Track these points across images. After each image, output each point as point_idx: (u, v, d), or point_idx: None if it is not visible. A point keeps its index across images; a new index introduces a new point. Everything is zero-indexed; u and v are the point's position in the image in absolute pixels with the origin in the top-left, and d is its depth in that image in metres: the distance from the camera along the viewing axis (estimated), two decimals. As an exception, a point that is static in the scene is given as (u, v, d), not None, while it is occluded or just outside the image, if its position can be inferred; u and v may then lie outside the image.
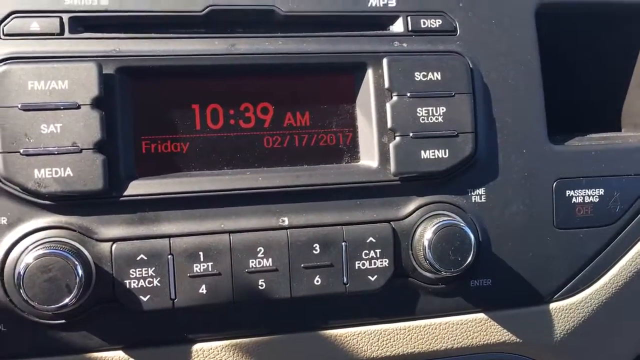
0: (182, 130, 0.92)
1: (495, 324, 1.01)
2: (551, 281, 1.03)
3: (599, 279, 1.04)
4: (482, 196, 0.99)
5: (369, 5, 0.98)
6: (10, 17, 0.87)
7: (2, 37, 0.86)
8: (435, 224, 0.93)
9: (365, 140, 0.97)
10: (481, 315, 1.00)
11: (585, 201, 1.03)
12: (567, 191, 1.02)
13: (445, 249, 0.92)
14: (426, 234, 0.93)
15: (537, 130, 1.02)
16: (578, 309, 1.04)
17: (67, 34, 0.88)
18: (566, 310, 1.03)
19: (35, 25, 0.87)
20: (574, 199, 1.03)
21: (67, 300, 0.81)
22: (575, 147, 1.05)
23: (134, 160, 0.89)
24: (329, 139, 0.97)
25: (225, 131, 0.94)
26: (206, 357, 0.92)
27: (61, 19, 0.88)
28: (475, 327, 1.00)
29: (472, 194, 0.99)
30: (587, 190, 1.03)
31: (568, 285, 1.03)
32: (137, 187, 0.88)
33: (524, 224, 1.00)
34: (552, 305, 1.03)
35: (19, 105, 0.83)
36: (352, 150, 0.98)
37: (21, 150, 0.83)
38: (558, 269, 1.02)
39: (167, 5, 0.91)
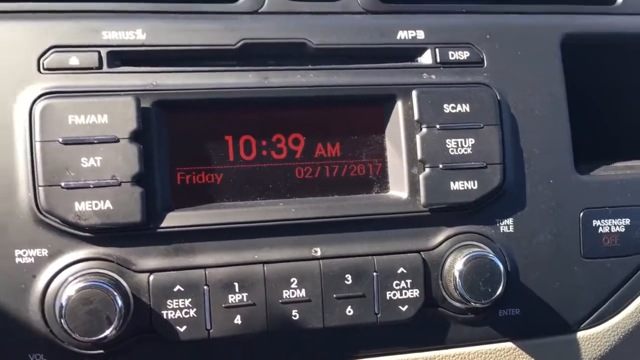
0: (216, 162, 0.94)
1: (523, 352, 1.02)
2: (578, 310, 1.04)
3: (625, 307, 1.05)
4: (510, 226, 1.00)
5: (398, 37, 1.00)
6: (50, 51, 0.88)
7: (42, 71, 0.88)
8: (466, 255, 0.94)
9: (395, 171, 0.99)
10: (509, 344, 1.01)
11: (612, 231, 1.04)
12: (593, 221, 1.04)
13: (475, 281, 0.93)
14: (457, 264, 0.94)
15: (563, 160, 1.03)
16: (605, 338, 1.05)
17: (105, 68, 0.89)
18: (593, 339, 1.04)
19: (74, 59, 0.89)
20: (600, 229, 1.04)
21: (107, 331, 0.82)
22: (601, 177, 1.06)
23: (170, 192, 0.91)
24: (359, 169, 0.99)
25: (257, 162, 0.95)
26: (240, 386, 0.93)
27: (99, 53, 0.89)
28: (503, 356, 1.01)
29: (501, 224, 1.00)
30: (613, 220, 1.04)
31: (595, 314, 1.04)
32: (174, 219, 0.90)
33: (551, 254, 1.01)
34: (579, 334, 1.04)
35: (60, 140, 0.85)
36: (381, 180, 0.99)
37: (62, 184, 0.85)
38: (585, 298, 1.04)
39: (202, 40, 0.93)
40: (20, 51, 0.88)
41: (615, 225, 1.04)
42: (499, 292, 0.94)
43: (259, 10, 0.98)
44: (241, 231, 0.92)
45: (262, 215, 0.92)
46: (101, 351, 0.87)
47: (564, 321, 1.03)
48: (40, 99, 0.86)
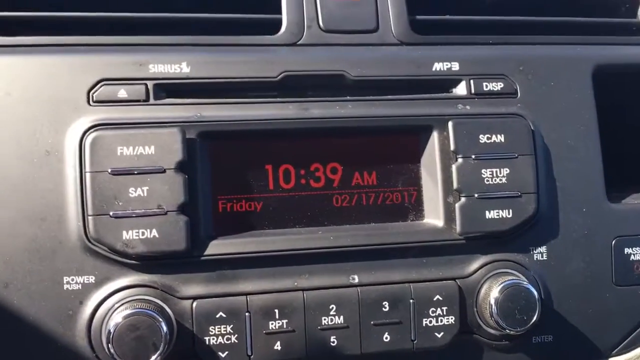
0: (256, 190, 0.97)
1: (557, 379, 1.03)
2: (610, 336, 1.05)
3: (656, 334, 1.07)
4: (544, 254, 1.02)
5: (433, 69, 1.02)
6: (100, 84, 0.91)
7: (92, 103, 0.91)
8: (501, 283, 0.96)
9: (430, 199, 1.00)
10: (543, 370, 1.03)
11: (643, 258, 1.06)
12: (625, 249, 1.05)
13: (511, 309, 0.95)
14: (492, 292, 0.96)
15: (596, 189, 1.05)
16: (637, 365, 1.06)
17: (152, 100, 0.92)
18: (625, 366, 1.05)
19: (122, 92, 0.92)
20: (632, 257, 1.05)
21: (153, 357, 0.84)
22: (633, 205, 1.08)
23: (212, 221, 0.93)
24: (395, 197, 1.01)
25: (296, 190, 0.98)
26: (280, 412, 0.95)
27: (146, 85, 0.92)
28: (537, 382, 1.03)
29: (534, 252, 1.02)
30: (645, 248, 1.06)
31: (627, 340, 1.05)
32: (217, 247, 0.92)
33: (584, 281, 1.03)
34: (611, 361, 1.05)
35: (109, 170, 0.88)
36: (417, 208, 1.01)
37: (111, 213, 0.87)
38: (617, 324, 1.05)
39: (244, 72, 0.96)
40: (71, 84, 0.91)
41: (647, 253, 1.06)
42: (534, 319, 0.95)
43: (298, 43, 1.01)
44: (281, 259, 0.94)
45: (301, 244, 0.95)
46: (145, 375, 0.89)
47: (596, 347, 1.04)
48: (90, 131, 0.89)
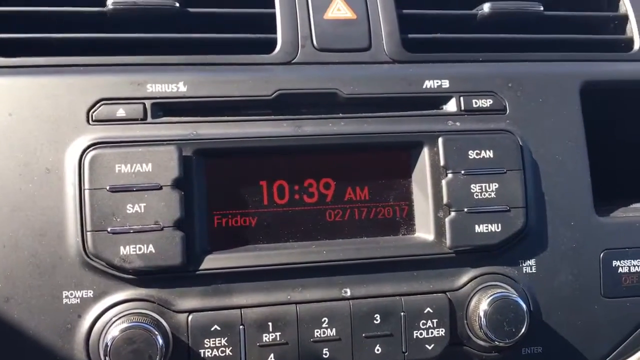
0: (251, 205, 0.99)
1: (546, 391, 1.05)
2: (599, 348, 1.07)
3: (645, 345, 1.09)
4: (533, 267, 1.04)
5: (424, 87, 1.04)
6: (99, 104, 0.94)
7: (91, 123, 0.94)
8: (490, 295, 0.98)
9: (421, 214, 1.03)
10: (533, 382, 1.05)
11: (631, 271, 1.08)
12: (613, 261, 1.07)
13: (500, 321, 0.97)
14: (481, 305, 0.98)
15: (584, 203, 1.07)
16: (626, 376, 1.08)
17: (149, 119, 0.95)
18: (614, 377, 1.07)
19: (121, 111, 0.94)
20: (620, 269, 1.07)
21: (152, 369, 0.87)
22: (620, 218, 1.10)
23: (208, 236, 0.96)
24: (387, 212, 1.03)
25: (290, 206, 1.00)
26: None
27: (144, 105, 0.95)
28: (526, 394, 1.05)
29: (523, 265, 1.04)
30: (632, 261, 1.08)
31: (615, 352, 1.07)
32: (212, 262, 0.94)
33: (572, 294, 1.05)
34: (601, 372, 1.07)
35: (108, 187, 0.90)
36: (408, 222, 1.03)
37: (109, 229, 0.90)
38: (606, 336, 1.07)
39: (239, 91, 0.99)
40: (71, 104, 0.94)
41: (634, 266, 1.08)
42: (522, 332, 0.97)
43: (292, 61, 1.04)
44: (275, 272, 0.97)
45: (295, 258, 0.97)
46: (142, 388, 0.92)
47: (586, 359, 1.06)
48: (89, 149, 0.91)
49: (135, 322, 0.88)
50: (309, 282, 0.98)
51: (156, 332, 0.88)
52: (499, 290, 0.99)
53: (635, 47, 1.17)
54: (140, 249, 0.91)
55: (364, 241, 1.01)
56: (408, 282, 1.00)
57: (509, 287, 1.01)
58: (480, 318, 0.97)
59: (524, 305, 0.98)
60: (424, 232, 1.02)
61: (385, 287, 0.99)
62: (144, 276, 0.92)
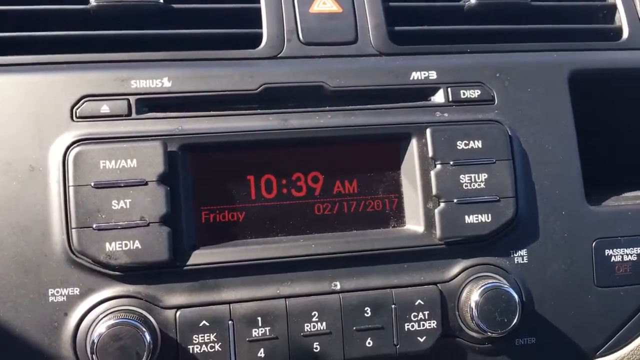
0: (239, 200, 0.98)
1: (540, 381, 1.04)
2: (594, 338, 1.06)
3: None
4: (524, 257, 1.03)
5: (411, 78, 1.04)
6: (82, 101, 0.94)
7: (75, 119, 0.93)
8: (481, 286, 0.97)
9: (411, 206, 1.02)
10: (526, 373, 1.04)
11: (624, 260, 1.07)
12: (606, 250, 1.06)
13: (491, 311, 0.96)
14: (473, 296, 0.97)
15: (574, 192, 1.06)
16: (621, 366, 1.07)
17: (134, 114, 0.94)
18: (609, 367, 1.06)
19: (105, 107, 0.94)
20: (613, 258, 1.06)
21: (139, 366, 0.86)
22: (612, 207, 1.09)
23: (195, 231, 0.95)
24: (376, 205, 1.03)
25: (278, 200, 0.99)
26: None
27: (129, 101, 0.95)
28: (520, 385, 1.04)
29: (515, 255, 1.03)
30: (625, 250, 1.07)
31: (610, 342, 1.06)
32: (199, 257, 0.94)
33: (565, 283, 1.04)
34: (596, 362, 1.06)
35: (92, 184, 0.90)
36: (397, 215, 1.03)
37: (94, 226, 0.89)
38: (600, 326, 1.06)
39: (225, 85, 0.98)
40: (54, 101, 0.93)
41: (627, 254, 1.07)
42: (514, 322, 0.96)
43: (278, 56, 1.03)
44: (264, 267, 0.96)
45: (283, 252, 0.96)
46: (131, 385, 0.91)
47: (580, 349, 1.05)
48: (73, 146, 0.91)
49: (122, 318, 0.87)
50: (298, 276, 0.97)
51: (144, 329, 0.87)
52: (490, 281, 0.98)
53: (624, 35, 1.17)
54: (126, 245, 0.90)
55: (353, 234, 1.00)
56: (398, 275, 0.99)
57: (500, 277, 1.00)
58: (472, 309, 0.97)
59: (515, 296, 0.97)
60: (414, 224, 1.02)
61: (375, 279, 0.99)
62: (131, 273, 0.92)
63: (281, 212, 1.00)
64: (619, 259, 1.07)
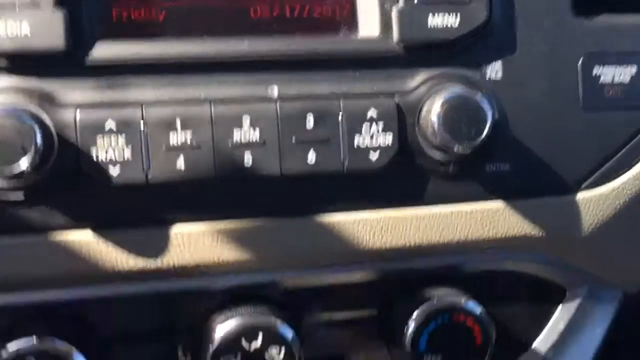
0: (159, -5, 0.82)
1: (515, 214, 0.89)
2: (578, 168, 0.91)
3: (632, 166, 0.93)
4: (499, 72, 0.88)
5: None
6: None
7: None
8: (446, 95, 0.82)
9: (365, 10, 0.86)
10: (499, 204, 0.89)
11: (615, 81, 0.92)
12: (594, 69, 0.91)
13: (456, 120, 0.81)
14: (435, 106, 0.82)
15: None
16: (609, 200, 0.92)
17: None
18: (595, 201, 0.92)
19: None
20: (602, 78, 0.91)
21: (22, 161, 0.70)
22: (603, 20, 0.93)
23: (101, 21, 0.79)
24: (325, 10, 0.87)
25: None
26: (185, 241, 0.81)
27: None
28: (492, 217, 0.89)
29: (487, 68, 0.88)
30: (617, 68, 0.91)
31: (597, 173, 0.92)
32: (105, 49, 0.78)
33: (546, 104, 0.89)
34: (580, 195, 0.91)
35: (-31, -50, 0.74)
36: (349, 22, 0.87)
37: (-29, 1, 0.73)
38: (586, 155, 0.91)
39: None
40: None
41: (619, 74, 0.92)
42: (484, 133, 0.81)
43: None
44: (186, 67, 0.80)
45: (210, 49, 0.81)
46: (22, 197, 0.76)
47: (562, 180, 0.90)
48: None
49: (5, 112, 0.72)
50: (227, 78, 0.81)
51: (32, 123, 0.71)
52: (456, 89, 0.83)
53: None
54: (11, 27, 0.74)
55: (295, 37, 0.84)
56: (349, 83, 0.84)
57: (469, 89, 0.84)
58: (433, 122, 0.81)
59: (486, 103, 0.81)
60: (369, 30, 0.86)
61: (320, 86, 0.83)
62: (20, 63, 0.76)
63: (210, 12, 0.83)
64: (609, 79, 0.91)
